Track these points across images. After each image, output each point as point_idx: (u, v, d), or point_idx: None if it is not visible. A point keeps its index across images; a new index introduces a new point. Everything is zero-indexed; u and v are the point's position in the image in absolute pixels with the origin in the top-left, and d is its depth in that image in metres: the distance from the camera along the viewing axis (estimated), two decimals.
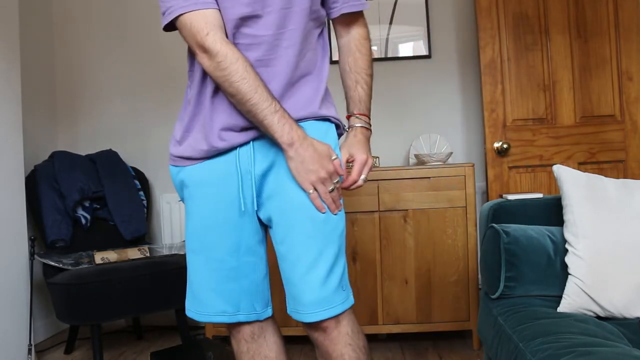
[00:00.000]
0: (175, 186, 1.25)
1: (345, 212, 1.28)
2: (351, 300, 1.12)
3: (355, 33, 1.21)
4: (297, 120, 1.07)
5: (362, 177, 1.16)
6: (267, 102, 1.01)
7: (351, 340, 1.10)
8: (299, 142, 1.03)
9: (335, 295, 1.08)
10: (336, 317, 1.08)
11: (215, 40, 1.01)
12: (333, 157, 1.08)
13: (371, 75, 1.22)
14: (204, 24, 1.01)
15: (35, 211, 2.50)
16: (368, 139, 1.21)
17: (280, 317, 1.34)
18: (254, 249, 1.15)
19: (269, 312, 1.20)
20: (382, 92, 2.81)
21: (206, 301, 1.14)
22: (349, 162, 1.17)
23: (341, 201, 1.12)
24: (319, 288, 1.06)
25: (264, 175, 1.10)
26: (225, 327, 1.22)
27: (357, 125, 1.20)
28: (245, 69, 1.01)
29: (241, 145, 1.10)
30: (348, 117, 1.22)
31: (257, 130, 1.08)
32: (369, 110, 1.22)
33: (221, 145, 1.09)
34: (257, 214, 1.13)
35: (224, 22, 1.05)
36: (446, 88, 2.84)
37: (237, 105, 1.04)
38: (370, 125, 1.23)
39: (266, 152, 1.10)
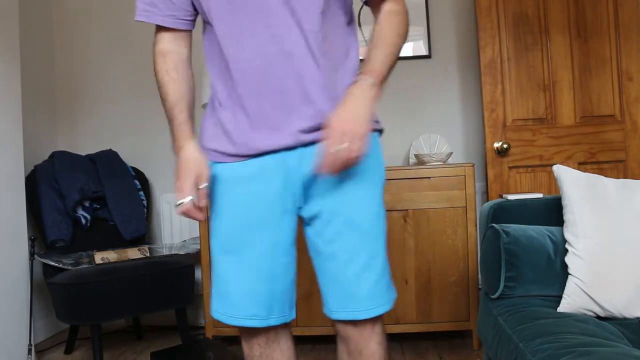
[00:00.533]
0: None
1: None
2: (394, 297, 1.15)
3: (384, 9, 1.10)
4: None
5: (337, 148, 0.95)
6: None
7: (382, 339, 1.13)
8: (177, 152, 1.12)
9: (387, 292, 1.11)
10: (379, 316, 1.10)
11: None
12: (201, 186, 1.06)
13: (396, 45, 1.07)
14: None
15: (35, 211, 2.50)
16: (365, 98, 1.00)
17: None
18: (289, 250, 1.13)
19: (293, 314, 1.18)
20: (382, 92, 2.81)
21: (237, 304, 1.10)
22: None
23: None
24: (374, 285, 1.08)
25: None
26: (238, 329, 1.18)
27: (357, 80, 1.03)
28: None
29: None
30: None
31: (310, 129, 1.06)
32: (382, 70, 1.04)
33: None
34: (298, 211, 1.11)
35: None
36: (446, 88, 2.84)
37: None
38: (377, 85, 1.03)
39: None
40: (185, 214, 1.06)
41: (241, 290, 1.10)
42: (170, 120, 1.19)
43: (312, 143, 1.06)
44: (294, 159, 1.07)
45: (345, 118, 0.97)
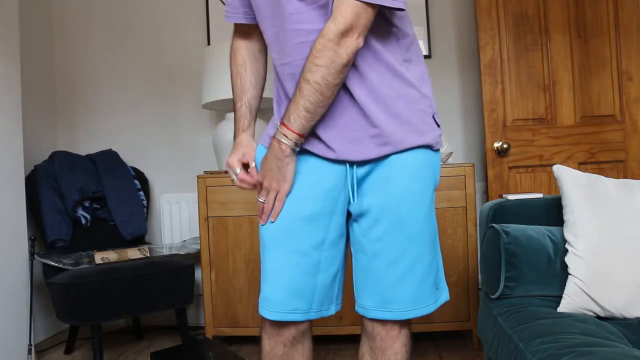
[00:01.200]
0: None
1: None
2: (445, 297, 1.17)
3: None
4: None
5: (260, 199, 1.12)
6: None
7: (407, 341, 1.15)
8: None
9: (430, 295, 1.12)
10: (409, 319, 1.12)
11: None
12: (251, 165, 1.20)
13: (308, 84, 0.99)
14: None
15: (35, 211, 2.50)
16: (272, 154, 1.07)
17: None
18: (335, 243, 1.14)
19: (332, 309, 1.17)
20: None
21: (279, 297, 1.11)
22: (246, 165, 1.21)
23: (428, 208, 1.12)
24: (415, 289, 1.10)
25: (369, 167, 1.10)
26: (266, 325, 1.16)
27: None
28: None
29: None
30: None
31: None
32: (291, 118, 1.02)
33: None
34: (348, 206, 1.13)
35: None
36: (446, 88, 2.84)
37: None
38: (285, 136, 1.03)
39: None
40: (241, 185, 1.19)
41: (284, 284, 1.11)
42: (234, 111, 1.29)
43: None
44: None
45: (262, 174, 1.12)
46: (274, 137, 1.06)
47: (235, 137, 1.26)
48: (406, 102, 1.09)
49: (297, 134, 1.03)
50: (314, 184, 1.11)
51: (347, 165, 1.10)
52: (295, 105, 1.01)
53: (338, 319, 2.31)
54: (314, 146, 1.10)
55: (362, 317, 1.16)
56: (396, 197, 1.08)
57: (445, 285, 1.19)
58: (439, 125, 1.18)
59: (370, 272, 1.11)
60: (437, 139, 1.16)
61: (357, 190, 1.11)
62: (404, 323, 1.13)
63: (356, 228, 1.13)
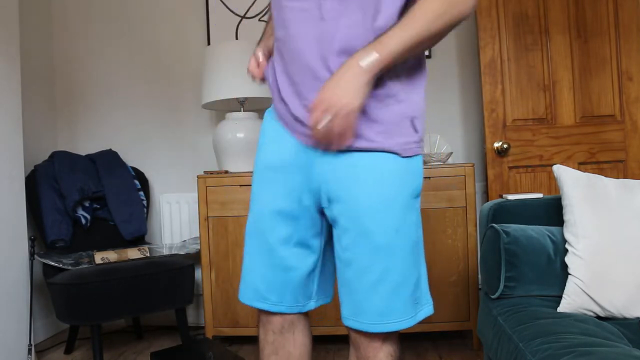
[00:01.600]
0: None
1: None
2: (426, 312, 1.10)
3: None
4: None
5: (318, 125, 0.95)
6: None
7: (392, 352, 1.10)
8: None
9: (409, 308, 1.06)
10: (392, 332, 1.07)
11: None
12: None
13: (420, 21, 0.93)
14: None
15: (35, 211, 2.50)
16: (349, 72, 0.93)
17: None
18: (309, 242, 1.13)
19: (311, 304, 1.18)
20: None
21: (251, 284, 1.15)
22: None
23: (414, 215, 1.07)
24: (387, 300, 1.03)
25: (333, 161, 1.06)
26: (257, 313, 1.21)
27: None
28: None
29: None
30: None
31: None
32: (389, 44, 0.92)
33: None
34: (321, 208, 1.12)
35: None
36: (446, 88, 2.84)
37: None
38: (375, 60, 0.92)
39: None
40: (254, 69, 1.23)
41: (257, 273, 1.15)
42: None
43: None
44: (316, 152, 1.07)
45: (327, 94, 0.94)
46: (365, 59, 0.92)
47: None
48: (379, 101, 1.02)
49: (385, 59, 0.92)
50: (288, 182, 1.11)
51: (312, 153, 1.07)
52: (397, 33, 0.93)
53: (338, 319, 2.31)
54: (295, 130, 1.09)
55: None
56: (361, 205, 1.03)
57: (429, 298, 1.12)
58: (417, 131, 1.06)
59: (343, 280, 1.08)
60: (410, 145, 1.05)
61: (325, 190, 1.07)
62: (386, 336, 1.08)
63: (333, 234, 1.11)
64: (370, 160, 1.03)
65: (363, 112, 1.01)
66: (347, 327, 1.11)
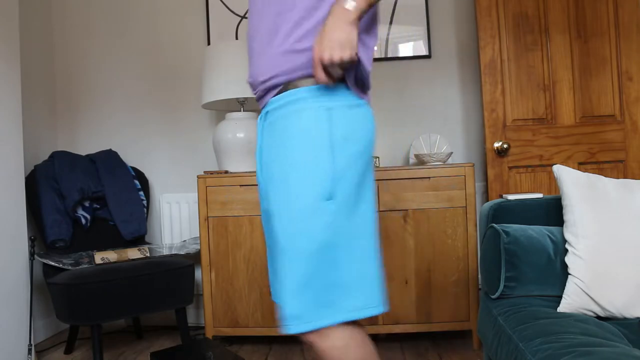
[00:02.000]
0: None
1: None
2: (342, 317, 1.02)
3: None
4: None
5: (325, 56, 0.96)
6: None
7: (341, 345, 1.04)
8: None
9: (309, 311, 1.01)
10: (319, 332, 1.02)
11: None
12: None
13: None
14: None
15: (35, 211, 2.50)
16: (337, 15, 0.96)
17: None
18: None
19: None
20: (382, 92, 2.81)
21: (376, 291, 1.07)
22: None
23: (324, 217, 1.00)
24: (290, 301, 1.01)
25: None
26: (358, 323, 1.09)
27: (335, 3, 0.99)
28: None
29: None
30: None
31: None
32: None
33: None
34: None
35: None
36: (446, 88, 2.84)
37: None
38: (357, 6, 0.96)
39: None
40: None
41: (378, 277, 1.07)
42: None
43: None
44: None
45: (321, 47, 0.96)
46: (334, 4, 0.97)
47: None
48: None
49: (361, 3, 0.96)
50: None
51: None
52: None
53: None
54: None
55: None
56: (267, 185, 1.06)
57: (355, 304, 1.03)
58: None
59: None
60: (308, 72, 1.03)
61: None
62: (315, 337, 1.03)
63: None
64: (277, 106, 1.10)
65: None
66: None
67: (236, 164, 2.50)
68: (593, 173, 1.48)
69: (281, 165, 1.03)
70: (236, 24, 2.90)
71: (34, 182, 2.52)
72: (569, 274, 1.34)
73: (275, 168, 1.04)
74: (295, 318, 1.01)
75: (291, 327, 1.02)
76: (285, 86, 1.06)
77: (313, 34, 1.02)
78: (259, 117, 1.15)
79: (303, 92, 1.03)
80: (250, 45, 1.13)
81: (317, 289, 1.01)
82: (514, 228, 1.46)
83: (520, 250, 1.41)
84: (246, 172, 2.42)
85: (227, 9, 2.91)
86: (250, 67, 1.14)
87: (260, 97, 1.13)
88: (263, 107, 1.14)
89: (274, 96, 1.08)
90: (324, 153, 1.00)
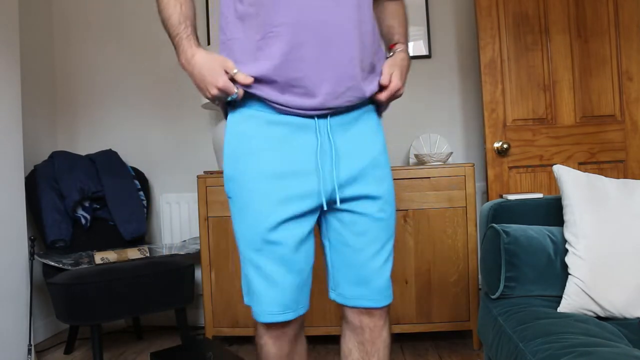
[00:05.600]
0: None
1: None
2: None
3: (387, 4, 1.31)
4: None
5: (399, 83, 1.19)
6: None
7: (390, 328, 1.23)
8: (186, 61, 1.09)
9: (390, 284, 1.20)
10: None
11: None
12: (233, 71, 1.05)
13: (406, 29, 1.32)
14: None
15: (35, 211, 2.50)
16: (408, 63, 1.24)
17: None
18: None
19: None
20: None
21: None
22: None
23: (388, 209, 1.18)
24: (387, 276, 1.17)
25: None
26: (265, 330, 1.15)
27: (399, 50, 1.24)
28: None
29: None
30: (392, 47, 1.26)
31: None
32: (407, 43, 1.29)
33: None
34: None
35: None
36: (446, 88, 2.84)
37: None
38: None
39: None
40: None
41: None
42: (173, 37, 1.14)
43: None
44: None
45: (403, 82, 1.21)
46: (402, 50, 1.24)
47: (188, 56, 1.10)
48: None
49: None
50: None
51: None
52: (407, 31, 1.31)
53: (338, 319, 2.31)
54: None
55: (347, 312, 1.21)
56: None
57: None
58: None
59: (344, 261, 1.20)
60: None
61: None
62: (387, 310, 1.20)
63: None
64: None
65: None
66: (351, 310, 1.19)
67: None
68: (593, 173, 1.48)
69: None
70: None
71: (33, 182, 2.52)
72: (569, 274, 1.34)
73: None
74: (387, 289, 1.18)
75: (389, 298, 1.18)
76: None
77: None
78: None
79: None
80: None
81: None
82: (514, 228, 1.46)
83: (521, 250, 1.41)
84: None
85: None
86: None
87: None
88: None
89: None
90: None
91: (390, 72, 1.16)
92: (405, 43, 1.27)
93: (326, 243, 1.18)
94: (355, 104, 1.11)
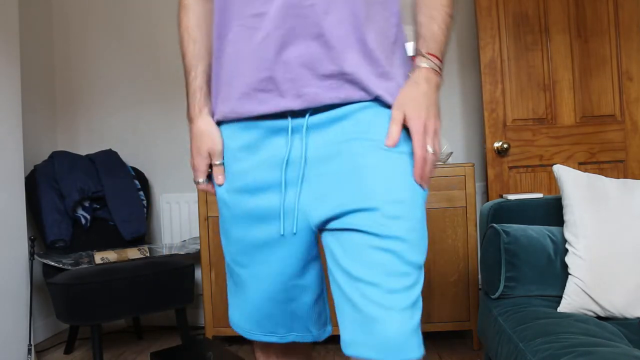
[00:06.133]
0: None
1: None
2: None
3: None
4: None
5: (429, 149, 0.89)
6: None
7: None
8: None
9: None
10: None
11: None
12: (216, 162, 0.94)
13: (452, 17, 0.93)
14: None
15: (35, 211, 2.50)
16: (435, 88, 0.94)
17: None
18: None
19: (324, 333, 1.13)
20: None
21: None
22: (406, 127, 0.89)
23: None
24: None
25: None
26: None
27: (422, 65, 0.92)
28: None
29: None
30: (414, 58, 0.97)
31: None
32: (443, 54, 0.93)
33: None
34: None
35: None
36: (446, 88, 2.84)
37: None
38: (442, 71, 0.94)
39: None
40: (205, 191, 1.01)
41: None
42: (185, 82, 1.07)
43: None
44: None
45: (420, 122, 0.91)
46: (427, 67, 0.92)
47: (190, 117, 1.00)
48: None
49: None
50: None
51: None
52: (444, 37, 0.91)
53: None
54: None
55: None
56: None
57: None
58: None
59: None
60: None
61: None
62: None
63: None
64: None
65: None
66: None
67: None
68: (593, 173, 1.48)
69: None
70: None
71: (33, 182, 2.52)
72: (569, 274, 1.34)
73: None
74: None
75: None
76: None
77: None
78: None
79: None
80: None
81: None
82: (514, 228, 1.46)
83: (521, 250, 1.41)
84: None
85: None
86: None
87: None
88: None
89: None
90: None
91: (398, 118, 0.89)
92: (436, 54, 0.93)
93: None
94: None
